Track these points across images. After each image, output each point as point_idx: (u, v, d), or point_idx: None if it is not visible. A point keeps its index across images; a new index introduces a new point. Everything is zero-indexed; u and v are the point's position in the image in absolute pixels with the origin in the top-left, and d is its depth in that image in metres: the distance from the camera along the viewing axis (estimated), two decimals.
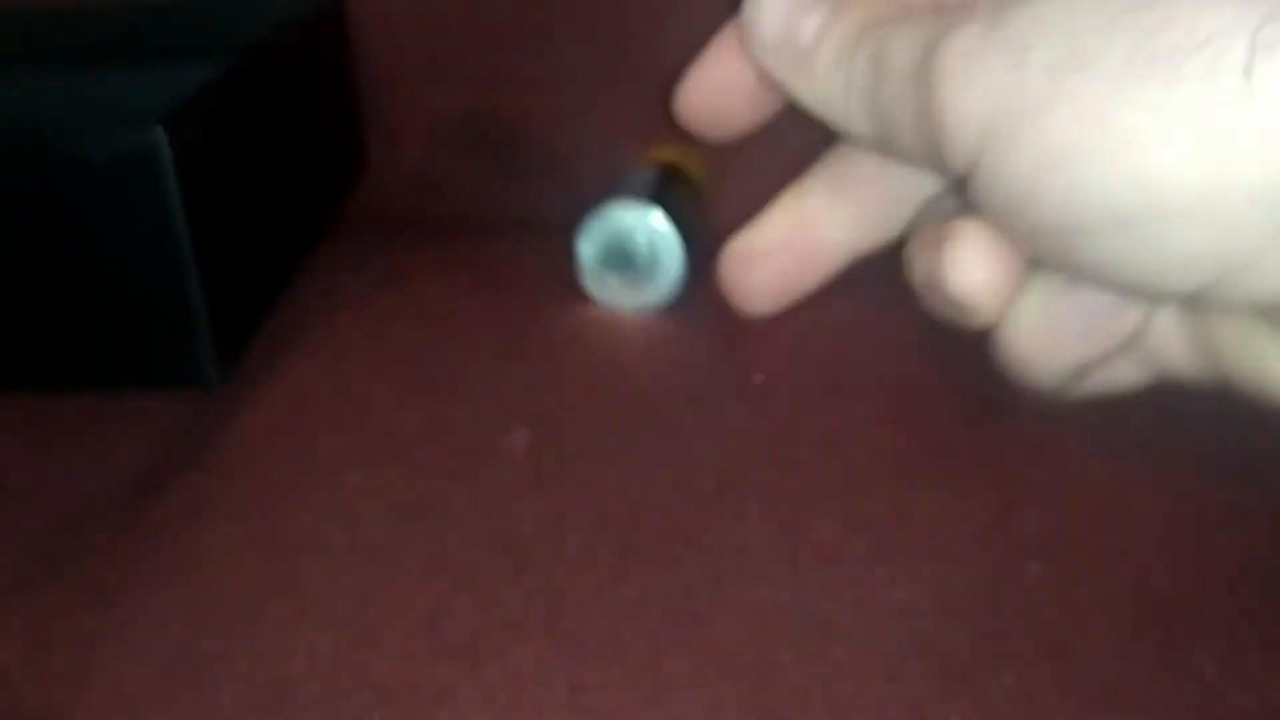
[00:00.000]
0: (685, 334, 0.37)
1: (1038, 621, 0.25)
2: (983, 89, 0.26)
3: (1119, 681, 0.24)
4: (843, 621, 0.25)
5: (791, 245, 0.36)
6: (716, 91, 0.35)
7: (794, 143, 0.34)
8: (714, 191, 0.42)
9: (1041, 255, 0.28)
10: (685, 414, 0.33)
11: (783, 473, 0.30)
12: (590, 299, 0.38)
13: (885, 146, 0.30)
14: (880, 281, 0.34)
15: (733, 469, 0.30)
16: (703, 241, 0.38)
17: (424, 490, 0.30)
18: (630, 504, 0.29)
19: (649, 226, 0.37)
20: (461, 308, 0.39)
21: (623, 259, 0.37)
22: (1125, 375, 0.31)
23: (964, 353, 0.31)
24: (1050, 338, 0.30)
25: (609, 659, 0.25)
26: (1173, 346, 0.29)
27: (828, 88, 0.31)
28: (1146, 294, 0.27)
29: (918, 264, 0.30)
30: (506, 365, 0.35)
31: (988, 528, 0.28)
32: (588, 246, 0.38)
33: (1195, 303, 0.27)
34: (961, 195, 0.29)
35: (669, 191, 0.39)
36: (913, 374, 0.34)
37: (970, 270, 0.28)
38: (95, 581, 0.27)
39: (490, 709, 0.24)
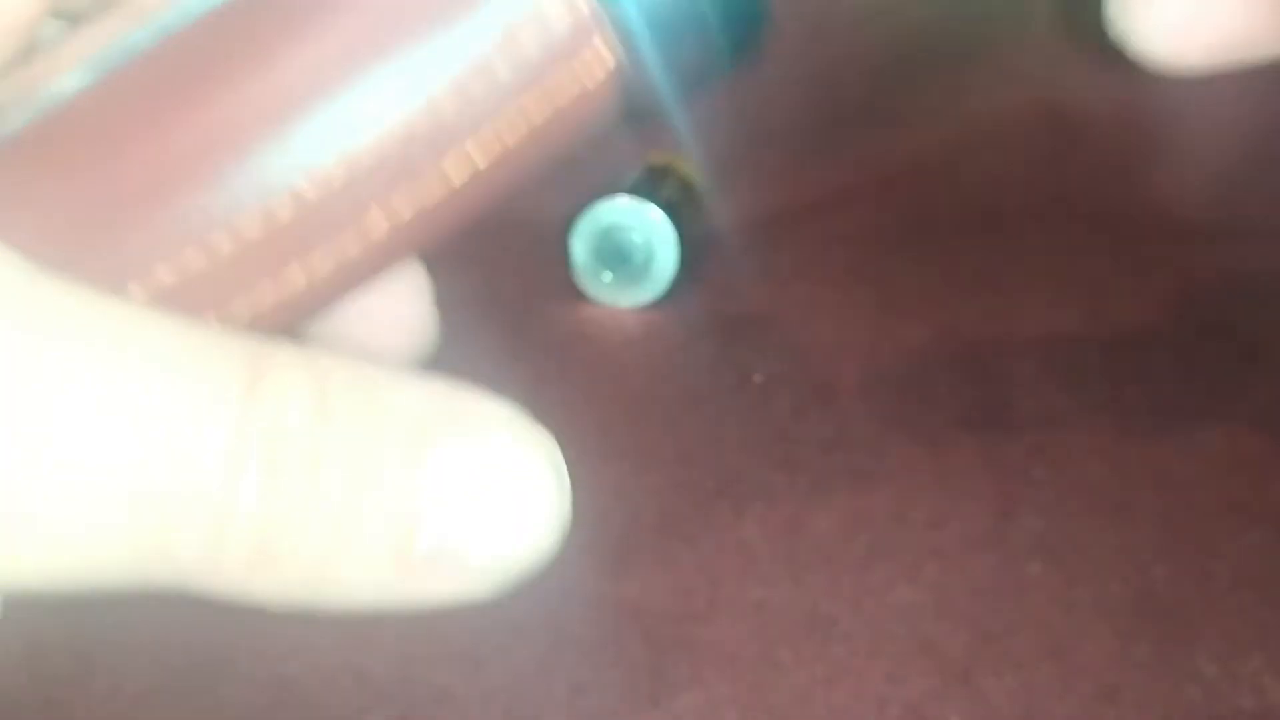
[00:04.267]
0: (685, 334, 0.37)
1: (1038, 621, 0.25)
2: None
3: (1119, 681, 0.24)
4: (843, 621, 0.25)
5: None
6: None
7: (794, 142, 0.34)
8: (713, 192, 0.42)
9: None
10: (685, 414, 0.33)
11: (783, 473, 0.30)
12: (588, 298, 0.38)
13: None
14: (882, 281, 0.34)
15: (733, 469, 0.30)
16: (700, 238, 0.38)
17: None
18: (630, 504, 0.29)
19: (644, 221, 0.37)
20: (461, 308, 0.39)
21: (617, 256, 0.37)
22: None
23: (965, 354, 0.31)
24: None
25: (609, 659, 0.25)
26: None
27: None
28: None
29: None
30: (507, 365, 0.35)
31: (988, 528, 0.28)
32: (581, 245, 0.38)
33: None
34: None
35: (663, 189, 0.39)
36: (913, 374, 0.34)
37: None
38: None
39: (490, 710, 0.24)
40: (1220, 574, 0.27)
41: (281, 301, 0.17)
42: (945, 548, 0.27)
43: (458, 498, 0.16)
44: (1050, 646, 0.25)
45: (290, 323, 0.18)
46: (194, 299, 0.16)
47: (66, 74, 0.17)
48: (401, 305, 0.23)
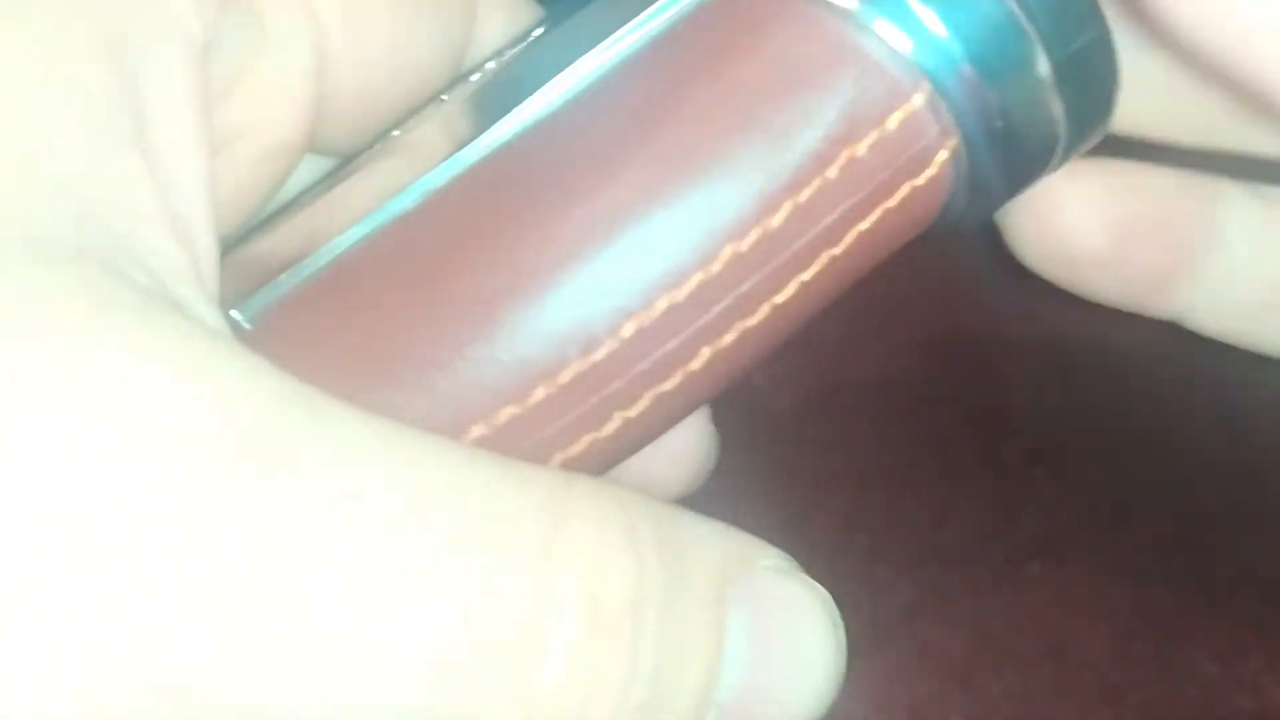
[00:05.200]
0: None
1: (1038, 621, 0.25)
2: None
3: (1119, 681, 0.24)
4: (842, 622, 0.25)
5: None
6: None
7: None
8: None
9: None
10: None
11: (783, 473, 0.30)
12: None
13: None
14: (881, 280, 0.34)
15: (733, 469, 0.30)
16: None
17: None
18: None
19: None
20: None
21: None
22: None
23: (964, 353, 0.31)
24: None
25: None
26: None
27: None
28: None
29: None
30: None
31: (988, 528, 0.28)
32: None
33: None
34: None
35: None
36: (913, 374, 0.34)
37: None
38: None
39: None
40: (1220, 574, 0.27)
41: (591, 450, 0.15)
42: (945, 548, 0.27)
43: (751, 652, 0.15)
44: (1050, 646, 0.25)
45: (597, 470, 0.16)
46: (504, 449, 0.14)
47: (357, 220, 0.15)
48: (684, 433, 0.20)
